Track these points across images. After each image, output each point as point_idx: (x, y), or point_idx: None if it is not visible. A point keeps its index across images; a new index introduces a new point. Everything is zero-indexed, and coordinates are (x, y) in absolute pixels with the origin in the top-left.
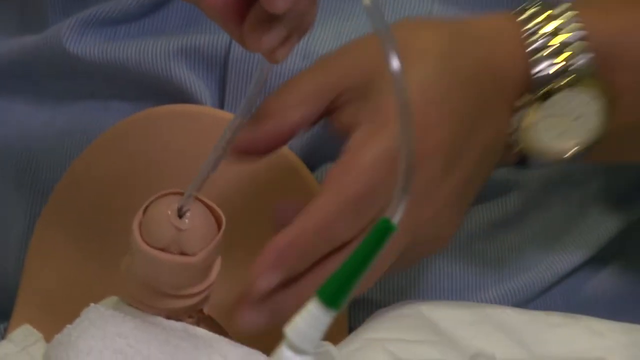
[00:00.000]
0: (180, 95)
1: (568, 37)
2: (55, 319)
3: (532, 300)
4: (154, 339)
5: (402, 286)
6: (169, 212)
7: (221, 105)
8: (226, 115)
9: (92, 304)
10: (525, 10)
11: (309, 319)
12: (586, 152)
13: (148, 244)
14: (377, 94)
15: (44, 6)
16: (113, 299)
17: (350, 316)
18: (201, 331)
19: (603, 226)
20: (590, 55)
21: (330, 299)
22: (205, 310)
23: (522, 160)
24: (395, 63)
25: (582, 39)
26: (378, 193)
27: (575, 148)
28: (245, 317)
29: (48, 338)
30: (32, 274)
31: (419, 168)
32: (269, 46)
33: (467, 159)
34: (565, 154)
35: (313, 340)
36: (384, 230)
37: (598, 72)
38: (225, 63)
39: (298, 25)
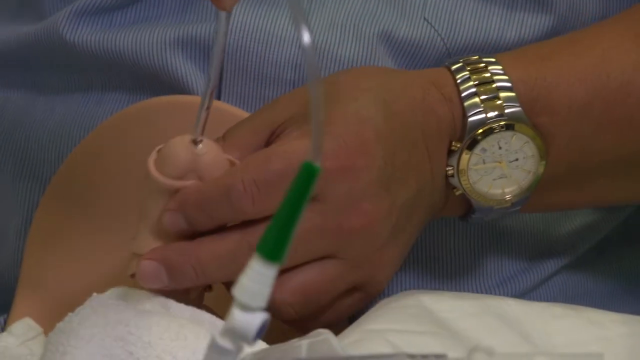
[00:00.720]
0: (177, 85)
1: (498, 86)
2: (55, 311)
3: (532, 290)
4: (155, 326)
5: (401, 276)
6: (185, 141)
7: (218, 95)
8: (222, 105)
9: (94, 294)
10: (457, 62)
11: (254, 275)
12: (526, 196)
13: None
14: None
15: None
16: (115, 290)
17: None
18: (207, 316)
19: (603, 216)
20: (518, 102)
21: (269, 253)
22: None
23: (467, 209)
24: (306, 36)
25: (509, 89)
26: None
27: (515, 192)
28: (142, 264)
29: (48, 331)
30: (31, 265)
31: (350, 176)
32: None
33: (403, 185)
34: (504, 197)
35: (262, 296)
36: (308, 173)
37: (528, 117)
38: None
39: None
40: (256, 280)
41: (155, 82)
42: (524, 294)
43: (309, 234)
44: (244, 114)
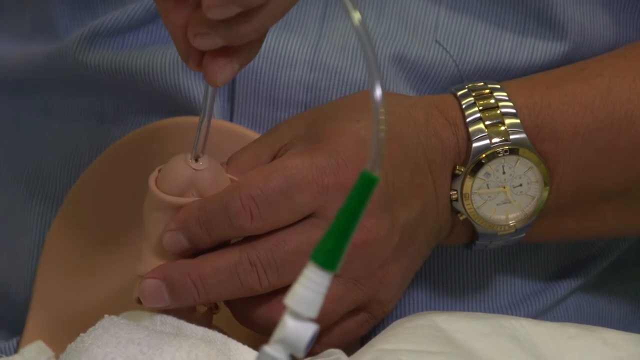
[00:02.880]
0: (189, 105)
1: (503, 112)
2: (67, 332)
3: (546, 311)
4: (166, 345)
5: (413, 296)
6: (185, 158)
7: (230, 117)
8: (234, 127)
9: (106, 315)
10: (463, 87)
11: (309, 284)
12: (530, 222)
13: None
14: (318, 138)
15: (53, 13)
16: (126, 313)
17: None
18: (218, 336)
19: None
20: (523, 129)
21: (326, 261)
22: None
23: (472, 236)
24: (378, 92)
25: (514, 115)
26: (293, 194)
27: (518, 217)
28: (144, 283)
29: (59, 352)
30: (44, 286)
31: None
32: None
33: (405, 206)
34: (508, 223)
35: (315, 306)
36: (367, 182)
37: (533, 144)
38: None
39: (242, 52)
40: (310, 288)
41: (168, 102)
42: (538, 316)
43: (309, 249)
44: (255, 136)
